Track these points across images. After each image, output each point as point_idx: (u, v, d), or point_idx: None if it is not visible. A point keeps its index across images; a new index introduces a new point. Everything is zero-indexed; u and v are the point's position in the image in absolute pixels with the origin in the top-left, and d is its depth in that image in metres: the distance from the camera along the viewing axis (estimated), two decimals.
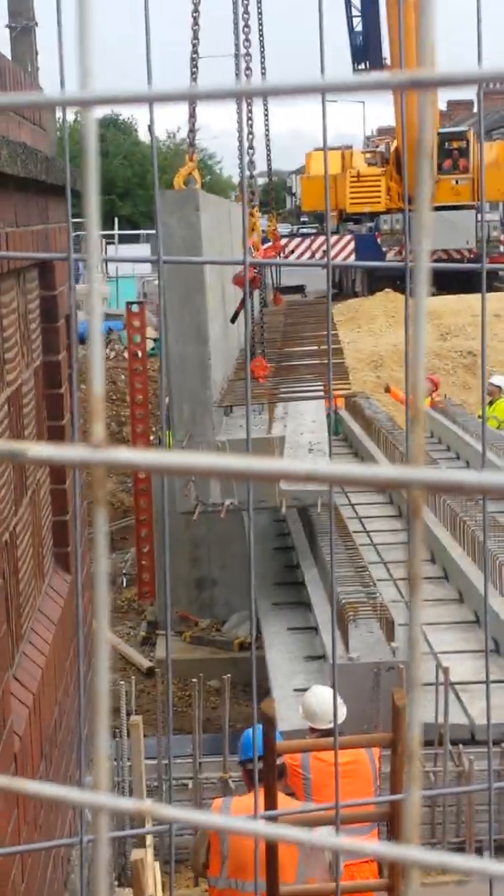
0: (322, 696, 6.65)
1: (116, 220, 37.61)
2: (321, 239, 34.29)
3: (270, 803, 4.23)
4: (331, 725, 6.51)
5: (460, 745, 7.75)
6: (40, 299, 5.07)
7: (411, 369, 0.57)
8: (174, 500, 9.19)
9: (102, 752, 0.59)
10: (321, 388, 10.38)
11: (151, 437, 13.71)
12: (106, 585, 0.62)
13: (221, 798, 6.01)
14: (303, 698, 6.74)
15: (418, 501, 0.55)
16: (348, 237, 34.05)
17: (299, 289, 30.32)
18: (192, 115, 9.87)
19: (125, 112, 61.31)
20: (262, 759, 4.21)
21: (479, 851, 7.63)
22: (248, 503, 9.18)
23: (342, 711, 6.57)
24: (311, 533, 11.04)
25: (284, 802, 5.08)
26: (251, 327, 10.71)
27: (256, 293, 10.82)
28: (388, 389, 18.52)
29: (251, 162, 11.52)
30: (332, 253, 33.81)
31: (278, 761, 4.50)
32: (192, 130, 9.85)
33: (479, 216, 32.31)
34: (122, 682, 8.00)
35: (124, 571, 14.53)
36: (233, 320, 10.17)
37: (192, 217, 8.60)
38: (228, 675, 8.21)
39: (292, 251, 32.75)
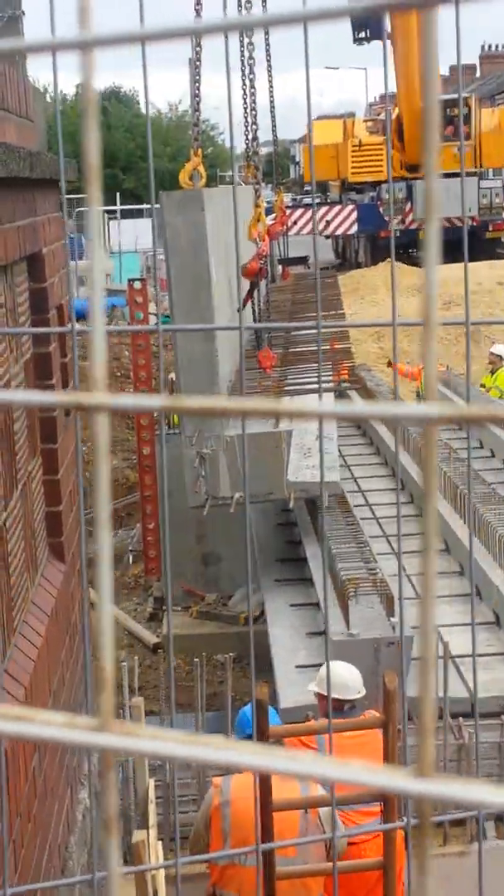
0: (346, 671, 6.54)
1: (119, 194, 37.28)
2: (324, 209, 34.10)
3: (266, 782, 4.30)
4: (356, 696, 6.42)
5: (460, 719, 7.81)
6: (29, 292, 5.11)
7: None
8: (184, 489, 9.30)
9: None
10: (328, 377, 10.58)
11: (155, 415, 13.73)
12: None
13: (221, 777, 6.08)
14: (325, 670, 6.71)
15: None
16: (350, 207, 33.85)
17: (302, 260, 30.19)
18: (197, 109, 9.72)
19: (126, 84, 60.97)
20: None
21: (476, 822, 7.71)
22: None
23: (361, 688, 6.55)
24: (313, 509, 11.08)
25: (281, 779, 5.15)
26: (258, 316, 10.79)
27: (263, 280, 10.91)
28: (389, 363, 18.55)
29: (255, 138, 11.47)
30: (335, 223, 33.70)
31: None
32: (196, 124, 9.67)
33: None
34: (123, 663, 8.08)
35: (130, 548, 14.59)
36: (240, 310, 10.28)
37: (196, 217, 8.63)
38: (231, 654, 8.29)
39: (295, 222, 32.58)
